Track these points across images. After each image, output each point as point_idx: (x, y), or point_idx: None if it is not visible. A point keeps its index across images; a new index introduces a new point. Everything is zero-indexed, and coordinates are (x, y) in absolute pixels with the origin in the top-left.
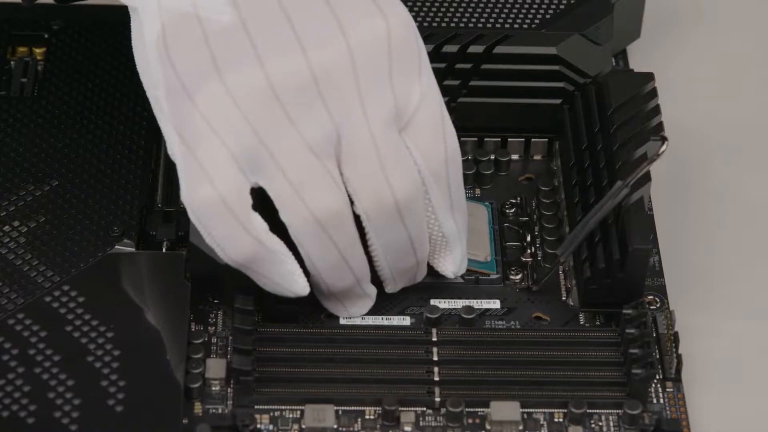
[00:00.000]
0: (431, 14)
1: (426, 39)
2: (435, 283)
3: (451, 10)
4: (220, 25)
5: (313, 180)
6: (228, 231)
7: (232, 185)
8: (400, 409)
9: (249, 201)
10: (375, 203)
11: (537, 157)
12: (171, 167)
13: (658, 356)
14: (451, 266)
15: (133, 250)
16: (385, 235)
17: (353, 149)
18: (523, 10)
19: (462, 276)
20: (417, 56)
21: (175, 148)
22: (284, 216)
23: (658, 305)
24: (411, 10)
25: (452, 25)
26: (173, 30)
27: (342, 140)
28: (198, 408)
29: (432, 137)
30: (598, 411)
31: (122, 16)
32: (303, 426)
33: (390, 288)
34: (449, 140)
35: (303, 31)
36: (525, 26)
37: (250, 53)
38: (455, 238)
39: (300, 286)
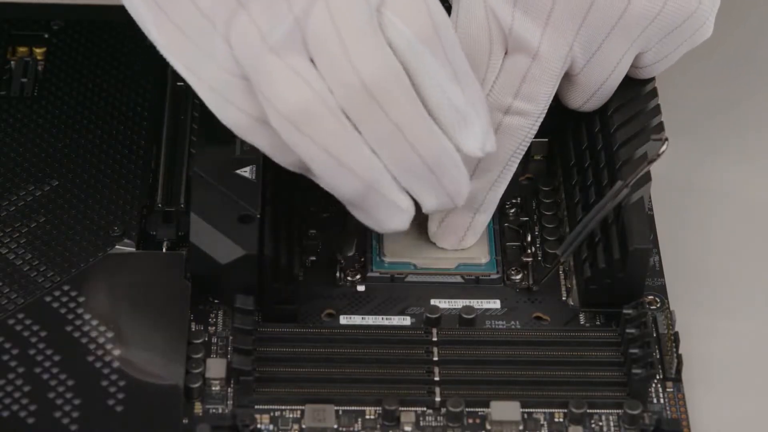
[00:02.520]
0: None
1: None
2: (435, 283)
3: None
4: None
5: (276, 81)
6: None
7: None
8: (400, 409)
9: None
10: (344, 92)
11: (537, 157)
12: (171, 167)
13: (658, 356)
14: (473, 142)
15: (133, 250)
16: (368, 128)
17: (317, 41)
18: None
19: (462, 276)
20: None
21: (186, 78)
22: (269, 119)
23: (658, 305)
24: None
25: None
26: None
27: (307, 32)
28: (198, 408)
29: (412, 4)
30: (598, 411)
31: (122, 16)
32: (303, 426)
33: (424, 204)
34: (432, 6)
35: None
36: None
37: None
38: (468, 109)
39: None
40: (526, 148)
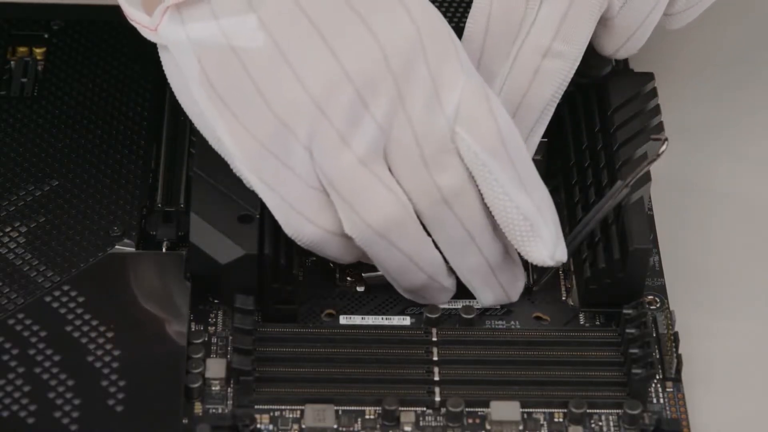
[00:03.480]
0: None
1: None
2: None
3: (451, 10)
4: (255, 52)
5: (365, 192)
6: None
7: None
8: (400, 409)
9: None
10: (424, 201)
11: (537, 157)
12: (171, 167)
13: (658, 356)
14: (543, 250)
15: (133, 250)
16: (442, 233)
17: (397, 152)
18: None
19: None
20: (451, 46)
21: (260, 193)
22: (347, 229)
23: (658, 305)
24: None
25: (452, 25)
26: (212, 65)
27: (388, 143)
28: (198, 408)
29: (480, 117)
30: (598, 411)
31: (122, 16)
32: (303, 426)
33: (480, 299)
34: (500, 117)
35: (335, 42)
36: None
37: (288, 74)
38: (536, 216)
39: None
40: (561, 94)
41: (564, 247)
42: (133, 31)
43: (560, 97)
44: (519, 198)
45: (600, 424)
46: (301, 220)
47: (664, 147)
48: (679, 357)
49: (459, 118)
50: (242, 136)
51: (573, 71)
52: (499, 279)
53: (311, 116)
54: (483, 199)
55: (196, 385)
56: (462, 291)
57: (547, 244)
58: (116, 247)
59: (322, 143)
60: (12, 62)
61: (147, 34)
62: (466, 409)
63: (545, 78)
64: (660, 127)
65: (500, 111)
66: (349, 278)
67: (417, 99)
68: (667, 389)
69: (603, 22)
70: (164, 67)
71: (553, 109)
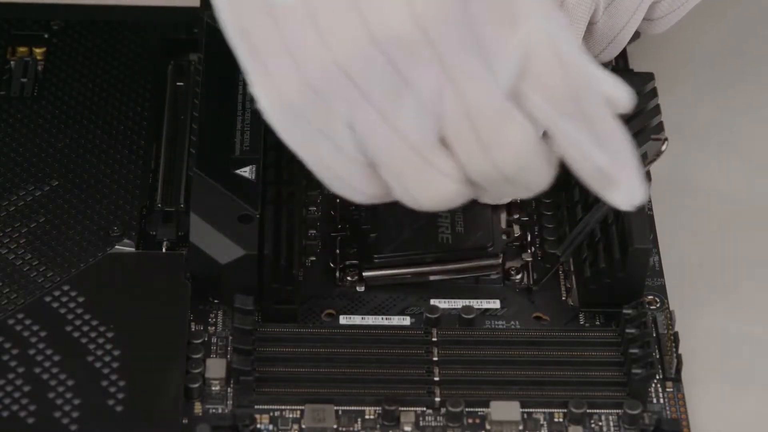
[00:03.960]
0: None
1: None
2: (435, 283)
3: None
4: (285, 8)
5: (418, 180)
6: None
7: None
8: (400, 409)
9: None
10: (485, 181)
11: None
12: (171, 167)
13: (658, 356)
14: (621, 198)
15: (133, 250)
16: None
17: (450, 133)
18: None
19: (462, 276)
20: (505, 5)
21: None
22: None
23: (658, 305)
24: None
25: None
26: (246, 14)
27: (442, 122)
28: (198, 408)
29: (550, 72)
30: (598, 411)
31: (122, 16)
32: (303, 426)
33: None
34: (574, 76)
35: (364, 3)
36: None
37: (315, 38)
38: (612, 168)
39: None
40: None
41: (642, 189)
42: (133, 31)
43: None
44: (594, 155)
45: (600, 424)
46: (350, 190)
47: (664, 147)
48: (679, 357)
49: (524, 75)
50: (274, 95)
51: None
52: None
53: (346, 89)
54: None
55: (196, 385)
56: (462, 291)
57: (624, 193)
58: (116, 247)
59: (363, 123)
60: (12, 62)
61: None
62: (466, 409)
63: (639, 15)
64: (660, 127)
65: (573, 60)
66: (349, 278)
67: (465, 72)
68: (667, 389)
69: (586, 27)
70: None
71: None
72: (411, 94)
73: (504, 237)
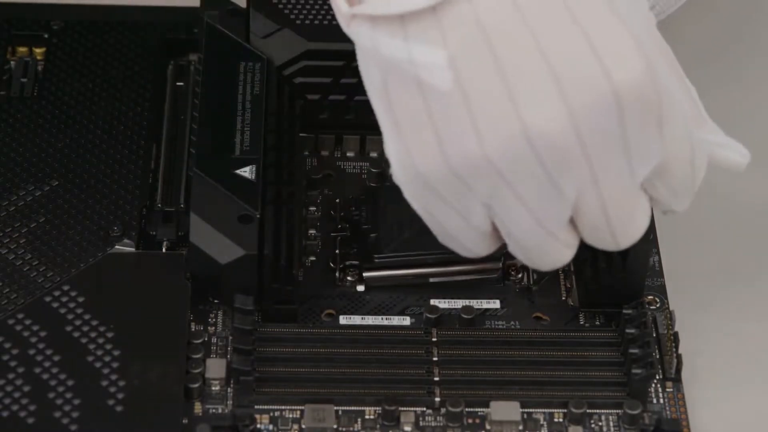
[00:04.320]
0: None
1: None
2: (435, 283)
3: None
4: (438, 92)
5: (548, 254)
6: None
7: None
8: (400, 409)
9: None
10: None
11: None
12: (171, 167)
13: (658, 356)
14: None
15: (133, 250)
16: None
17: (583, 219)
18: None
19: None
20: (655, 112)
21: (422, 217)
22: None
23: (658, 305)
24: None
25: None
26: (395, 87)
27: (576, 210)
28: (198, 408)
29: (679, 181)
30: (598, 411)
31: (122, 16)
32: (303, 426)
33: None
34: (698, 178)
35: (520, 95)
36: None
37: (467, 125)
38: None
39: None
40: None
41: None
42: (133, 31)
43: None
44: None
45: (600, 424)
46: (460, 249)
47: None
48: (679, 357)
49: (658, 173)
50: (410, 168)
51: None
52: None
53: (490, 177)
54: None
55: (196, 385)
56: (462, 291)
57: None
58: (116, 247)
59: (505, 210)
60: (12, 62)
61: (340, 20)
62: (466, 409)
63: None
64: None
65: (701, 165)
66: (349, 278)
67: (610, 171)
68: (667, 389)
69: None
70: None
71: None
72: (554, 190)
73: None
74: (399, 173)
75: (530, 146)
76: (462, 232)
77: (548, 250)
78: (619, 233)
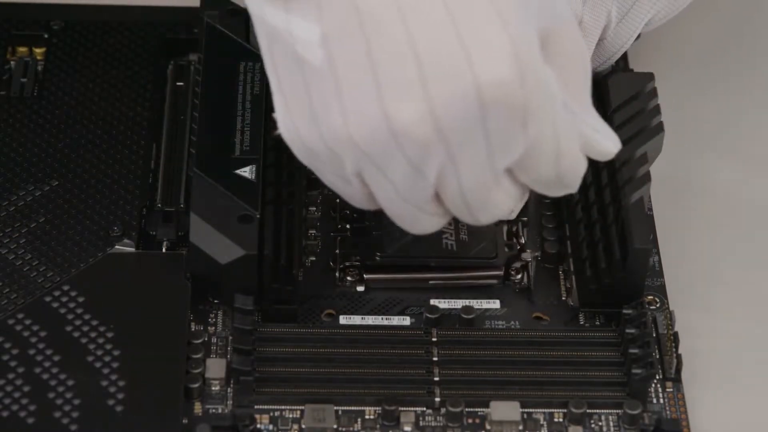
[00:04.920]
0: None
1: None
2: (435, 283)
3: None
4: (312, 68)
5: (413, 221)
6: None
7: None
8: (400, 409)
9: None
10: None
11: None
12: (171, 167)
13: (658, 356)
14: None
15: (133, 250)
16: None
17: (447, 199)
18: None
19: (461, 277)
20: (519, 111)
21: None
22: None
23: (658, 305)
24: None
25: None
26: (279, 58)
27: (439, 188)
28: (198, 408)
29: (543, 172)
30: (598, 411)
31: (122, 16)
32: (303, 426)
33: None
34: (566, 168)
35: (386, 85)
36: None
37: (335, 105)
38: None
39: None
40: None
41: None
42: (133, 31)
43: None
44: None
45: (600, 424)
46: (352, 201)
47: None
48: (678, 357)
49: (521, 166)
50: (293, 132)
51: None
52: None
53: (356, 155)
54: None
55: (195, 385)
56: (462, 291)
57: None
58: (116, 247)
59: (373, 183)
60: (12, 62)
61: None
62: (466, 409)
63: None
64: (660, 127)
65: (569, 153)
66: (349, 278)
67: (468, 162)
68: (667, 389)
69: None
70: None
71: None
72: (416, 173)
73: (506, 249)
74: (285, 135)
75: (392, 134)
76: (346, 193)
77: (418, 220)
78: (479, 215)
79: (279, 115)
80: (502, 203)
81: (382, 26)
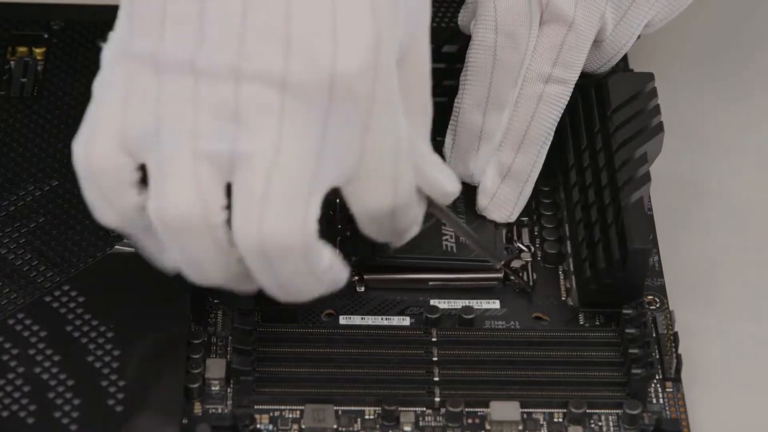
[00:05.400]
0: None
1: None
2: (435, 284)
3: (451, 9)
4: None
5: (176, 181)
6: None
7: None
8: (400, 409)
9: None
10: (242, 244)
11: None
12: None
13: (657, 356)
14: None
15: (133, 250)
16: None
17: (237, 185)
18: None
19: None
20: (362, 113)
21: None
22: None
23: (658, 305)
24: None
25: (452, 24)
26: None
27: (234, 168)
28: (198, 408)
29: (377, 204)
30: (598, 411)
31: None
32: (303, 426)
33: None
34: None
35: (250, 50)
36: None
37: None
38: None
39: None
40: (559, 118)
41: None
42: None
43: (558, 120)
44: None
45: (600, 424)
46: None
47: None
48: (678, 357)
49: (354, 185)
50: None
51: (569, 95)
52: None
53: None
54: None
55: (195, 385)
56: (462, 291)
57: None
58: (116, 247)
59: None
60: (12, 62)
61: None
62: (466, 409)
63: (549, 103)
64: (660, 127)
65: (403, 185)
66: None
67: (292, 153)
68: (667, 389)
69: (594, 43)
70: None
71: (553, 132)
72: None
73: (505, 252)
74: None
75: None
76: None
77: (180, 184)
78: (268, 225)
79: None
80: (301, 224)
81: None
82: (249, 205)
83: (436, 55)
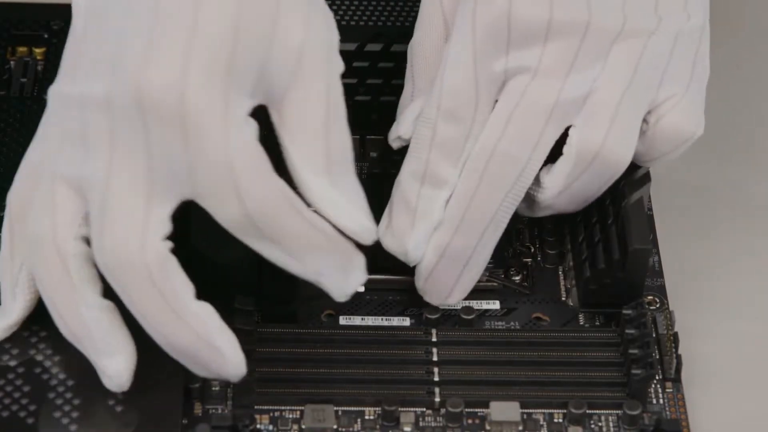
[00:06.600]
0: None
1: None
2: None
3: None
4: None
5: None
6: None
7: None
8: (400, 409)
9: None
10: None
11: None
12: None
13: (657, 356)
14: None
15: None
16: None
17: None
18: None
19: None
20: (177, 126)
21: None
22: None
23: (658, 305)
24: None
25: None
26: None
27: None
28: (198, 408)
29: (228, 214)
30: (598, 411)
31: None
32: (303, 426)
33: None
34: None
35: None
36: None
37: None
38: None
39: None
40: (517, 201)
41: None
42: None
43: (516, 203)
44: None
45: (600, 424)
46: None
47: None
48: (678, 357)
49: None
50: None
51: (527, 176)
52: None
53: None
54: None
55: (196, 385)
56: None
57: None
58: None
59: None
60: (12, 62)
61: None
62: (466, 410)
63: (490, 184)
64: None
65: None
66: None
67: (126, 163)
68: (667, 389)
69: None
70: None
71: (507, 217)
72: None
73: (505, 254)
74: None
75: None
76: None
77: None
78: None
79: None
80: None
81: None
82: (95, 225)
83: (386, 54)
